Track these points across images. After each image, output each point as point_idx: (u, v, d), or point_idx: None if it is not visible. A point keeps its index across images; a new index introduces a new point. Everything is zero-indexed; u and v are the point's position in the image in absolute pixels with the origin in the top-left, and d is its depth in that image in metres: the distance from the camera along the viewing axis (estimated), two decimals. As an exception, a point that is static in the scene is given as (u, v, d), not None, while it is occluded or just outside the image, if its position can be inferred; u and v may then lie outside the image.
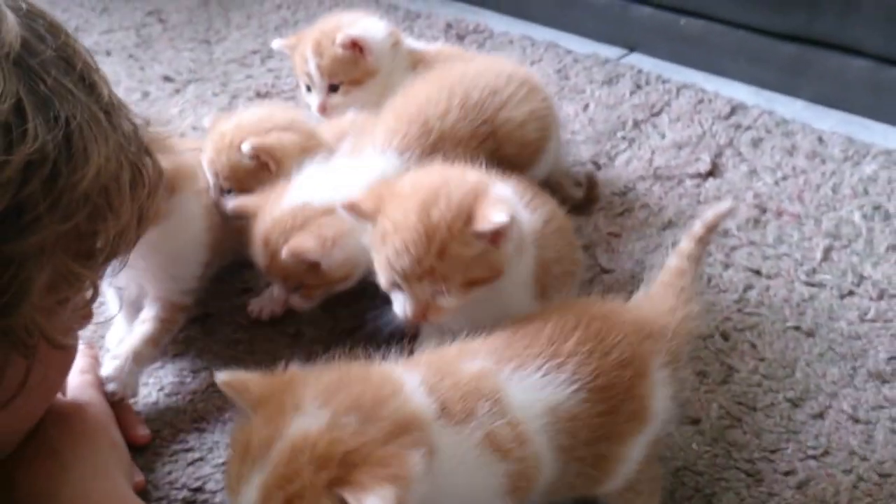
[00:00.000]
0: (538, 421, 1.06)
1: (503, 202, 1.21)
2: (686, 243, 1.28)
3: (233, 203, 1.51)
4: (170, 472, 1.29)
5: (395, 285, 1.25)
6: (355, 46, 1.73)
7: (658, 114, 2.06)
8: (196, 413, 1.41)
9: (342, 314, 1.57)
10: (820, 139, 1.96)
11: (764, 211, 1.78)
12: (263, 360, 1.45)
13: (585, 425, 1.08)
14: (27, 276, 0.76)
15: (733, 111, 2.04)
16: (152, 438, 1.34)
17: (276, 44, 1.89)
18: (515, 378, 1.08)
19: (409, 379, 1.04)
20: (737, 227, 1.73)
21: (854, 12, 1.98)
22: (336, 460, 0.88)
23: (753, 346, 1.50)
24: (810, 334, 1.52)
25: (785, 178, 1.86)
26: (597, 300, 1.24)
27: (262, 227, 1.45)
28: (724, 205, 1.31)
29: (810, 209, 1.77)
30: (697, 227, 1.29)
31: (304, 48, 1.76)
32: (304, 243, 1.39)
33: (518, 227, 1.23)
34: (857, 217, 1.75)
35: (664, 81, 2.16)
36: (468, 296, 1.23)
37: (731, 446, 1.33)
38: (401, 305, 1.26)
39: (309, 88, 1.81)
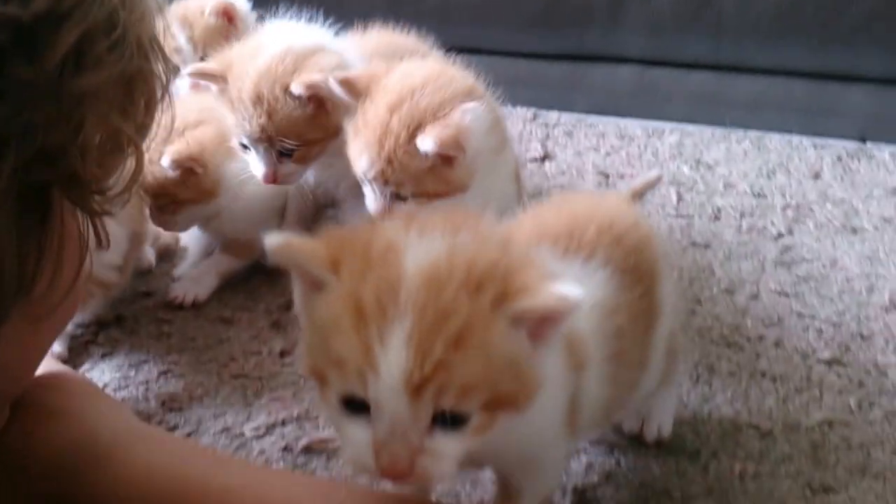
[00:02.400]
0: (590, 325, 0.88)
1: (453, 125, 1.18)
2: None
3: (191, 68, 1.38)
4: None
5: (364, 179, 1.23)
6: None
7: (472, 124, 2.13)
8: (160, 395, 1.25)
9: (267, 296, 1.46)
10: (619, 126, 2.11)
11: (607, 176, 1.88)
12: (208, 345, 1.33)
13: (629, 316, 0.94)
14: (82, 118, 0.68)
15: (536, 116, 2.15)
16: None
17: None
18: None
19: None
20: (594, 188, 1.82)
21: (620, 24, 2.17)
22: (486, 278, 0.69)
23: (666, 261, 1.57)
24: (707, 246, 1.62)
25: (609, 153, 1.98)
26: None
27: (246, 82, 1.31)
28: (653, 173, 1.30)
29: (644, 171, 1.90)
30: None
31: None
32: (312, 77, 1.29)
33: (478, 146, 1.22)
34: (686, 169, 1.90)
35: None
36: (427, 205, 1.20)
37: (698, 332, 1.37)
38: (369, 199, 1.24)
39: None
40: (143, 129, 0.78)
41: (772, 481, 1.09)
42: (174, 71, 0.84)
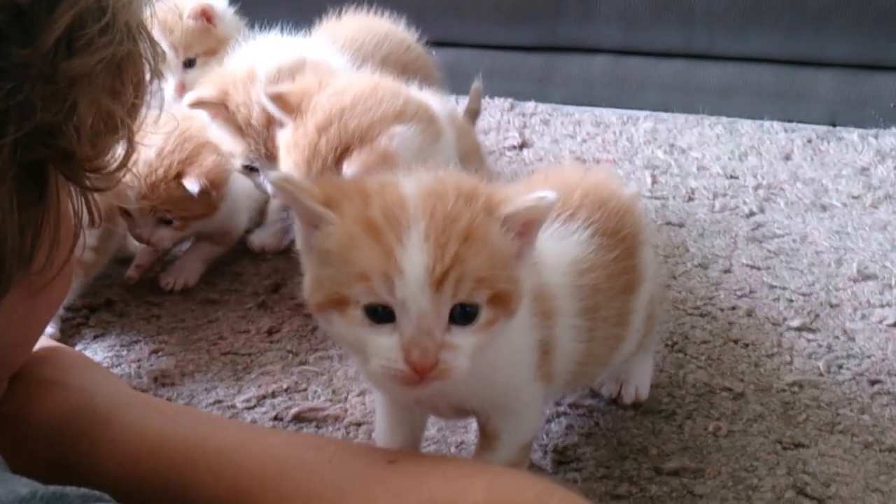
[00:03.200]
0: (563, 279, 0.96)
1: (378, 151, 1.19)
2: None
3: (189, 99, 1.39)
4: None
5: None
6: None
7: (451, 115, 2.16)
8: (152, 372, 1.27)
9: (253, 279, 1.49)
10: (594, 114, 2.14)
11: (584, 162, 1.91)
12: (198, 325, 1.36)
13: (606, 275, 0.99)
14: (75, 99, 0.70)
15: (513, 106, 2.18)
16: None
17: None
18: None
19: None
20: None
21: (592, 16, 2.21)
22: (474, 193, 0.79)
23: (642, 240, 1.60)
24: (681, 225, 1.65)
25: (585, 140, 2.01)
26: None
27: (254, 109, 1.35)
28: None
29: (620, 155, 1.93)
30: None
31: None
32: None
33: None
34: (660, 154, 1.93)
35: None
36: None
37: (672, 303, 1.40)
38: None
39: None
40: (133, 109, 0.80)
41: (745, 438, 1.12)
42: (162, 56, 0.86)
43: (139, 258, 1.48)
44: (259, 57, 1.43)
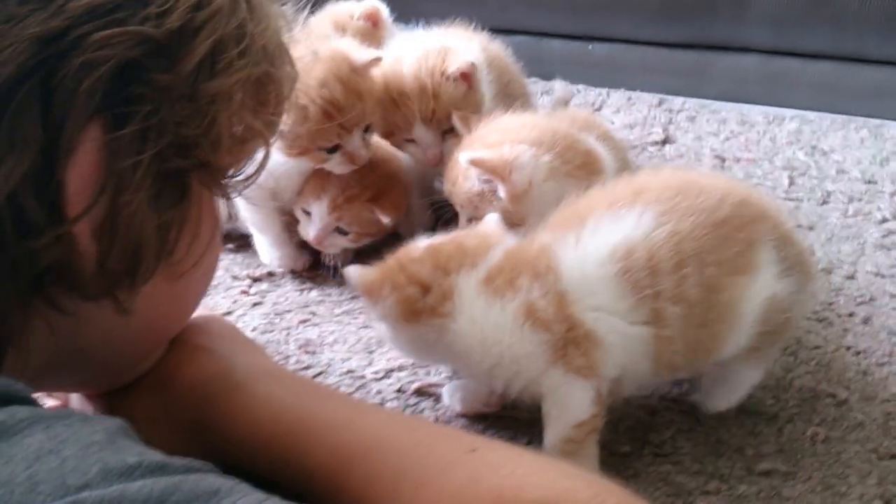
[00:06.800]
0: (602, 270, 0.98)
1: (498, 155, 1.26)
2: None
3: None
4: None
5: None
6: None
7: (599, 109, 2.16)
8: (298, 340, 1.34)
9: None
10: (741, 112, 2.10)
11: (724, 160, 1.88)
12: (342, 300, 1.43)
13: (671, 258, 0.97)
14: (215, 115, 0.75)
15: (661, 102, 2.16)
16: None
17: None
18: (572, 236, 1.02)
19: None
20: (709, 171, 1.83)
21: (744, 15, 2.16)
22: None
23: (770, 241, 1.57)
24: (811, 228, 1.60)
25: (728, 138, 1.97)
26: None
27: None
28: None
29: (760, 155, 1.89)
30: None
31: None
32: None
33: (526, 182, 1.26)
34: (801, 155, 1.88)
35: (591, 90, 2.27)
36: None
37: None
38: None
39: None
40: (271, 124, 0.86)
41: (841, 445, 1.10)
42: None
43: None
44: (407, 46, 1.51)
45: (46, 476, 0.53)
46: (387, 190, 1.45)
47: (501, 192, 1.24)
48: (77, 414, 0.62)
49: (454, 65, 1.41)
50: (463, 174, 1.28)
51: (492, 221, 1.14)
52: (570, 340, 0.97)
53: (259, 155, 0.87)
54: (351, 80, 1.35)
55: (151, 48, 0.69)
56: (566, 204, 1.09)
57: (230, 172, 0.83)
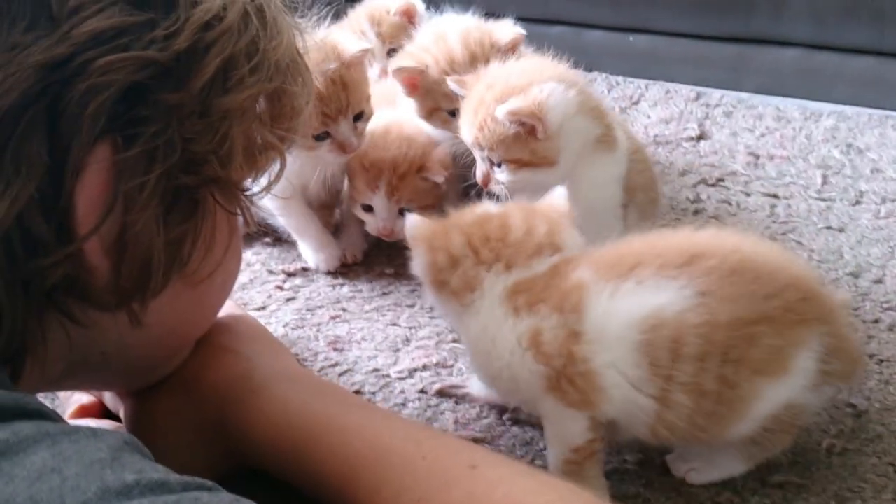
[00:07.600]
0: (627, 333, 0.94)
1: (529, 97, 1.25)
2: None
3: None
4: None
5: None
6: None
7: (637, 103, 2.14)
8: (328, 337, 1.36)
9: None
10: (778, 108, 2.07)
11: (758, 157, 1.85)
12: (372, 296, 1.43)
13: (697, 340, 0.93)
14: (227, 130, 0.76)
15: (699, 96, 2.14)
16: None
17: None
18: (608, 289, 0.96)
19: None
20: (742, 168, 1.81)
21: (784, 9, 2.13)
22: None
23: (799, 243, 1.56)
24: (841, 230, 1.58)
25: (763, 135, 1.95)
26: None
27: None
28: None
29: (795, 152, 1.86)
30: None
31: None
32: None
33: (560, 122, 1.27)
34: (836, 153, 1.85)
35: (631, 83, 2.25)
36: (517, 174, 1.28)
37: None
38: (477, 167, 1.34)
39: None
40: (284, 138, 0.87)
41: (858, 457, 1.09)
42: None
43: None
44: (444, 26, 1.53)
45: (47, 496, 0.55)
46: (428, 153, 1.47)
47: (539, 132, 1.25)
48: (84, 428, 0.63)
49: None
50: (493, 119, 1.27)
51: (559, 196, 1.09)
52: (566, 376, 0.96)
53: (276, 166, 0.88)
54: (336, 70, 1.37)
55: (157, 71, 0.70)
56: (622, 242, 1.04)
57: (245, 185, 0.84)
